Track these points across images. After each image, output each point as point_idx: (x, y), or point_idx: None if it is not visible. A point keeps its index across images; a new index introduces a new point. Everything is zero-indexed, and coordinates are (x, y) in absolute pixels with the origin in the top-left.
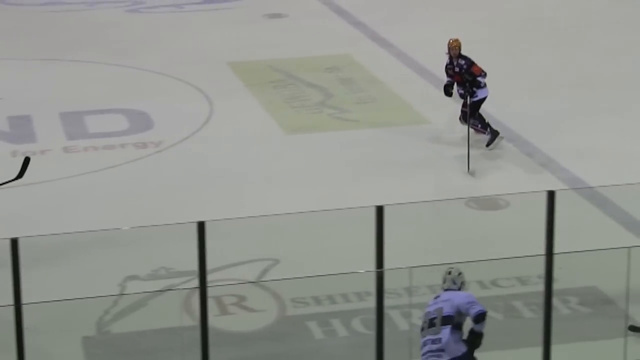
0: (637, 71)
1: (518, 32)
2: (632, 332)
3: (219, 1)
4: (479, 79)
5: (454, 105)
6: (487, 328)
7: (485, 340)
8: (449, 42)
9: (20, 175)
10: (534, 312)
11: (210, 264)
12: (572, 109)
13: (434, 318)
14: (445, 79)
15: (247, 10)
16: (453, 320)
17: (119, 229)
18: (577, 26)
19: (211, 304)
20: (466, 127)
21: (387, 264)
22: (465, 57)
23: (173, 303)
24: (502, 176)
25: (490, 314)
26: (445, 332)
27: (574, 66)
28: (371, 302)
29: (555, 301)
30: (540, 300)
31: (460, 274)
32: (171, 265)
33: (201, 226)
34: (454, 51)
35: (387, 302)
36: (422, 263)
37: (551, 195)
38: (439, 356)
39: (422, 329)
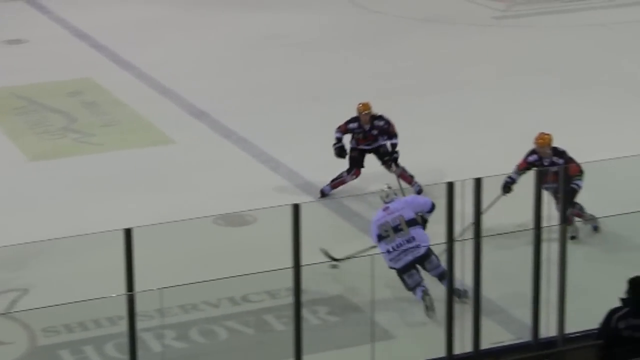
0: (365, 84)
1: (255, 49)
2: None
3: None
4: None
5: (198, 124)
6: (239, 344)
7: (238, 357)
8: (359, 107)
9: None
10: (285, 325)
11: None
12: (308, 122)
13: (398, 225)
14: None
15: None
16: (417, 221)
17: None
18: (309, 42)
19: None
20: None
21: (138, 286)
22: (380, 117)
23: None
24: (248, 192)
25: (241, 329)
26: (415, 231)
27: (309, 81)
28: (123, 326)
29: (304, 312)
30: (291, 312)
31: (390, 187)
32: None
33: None
34: (365, 117)
35: (140, 324)
36: (173, 283)
37: (296, 208)
38: (417, 247)
39: (385, 237)
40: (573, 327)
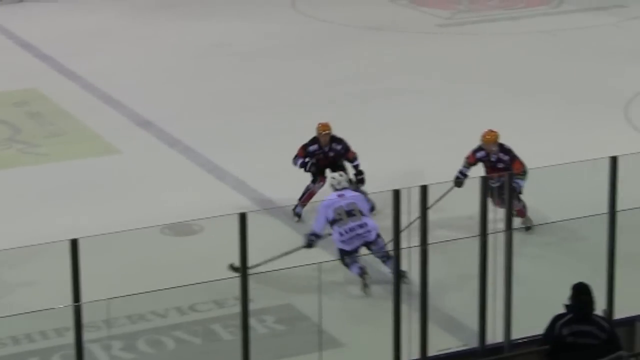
0: (311, 92)
1: (201, 58)
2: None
3: None
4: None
5: (143, 133)
6: (187, 354)
7: None
8: (318, 127)
9: None
10: (232, 334)
11: None
12: (258, 131)
13: (352, 210)
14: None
15: None
16: (368, 212)
17: None
18: (255, 51)
19: None
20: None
21: (85, 297)
22: (340, 140)
23: None
24: (194, 201)
25: (189, 339)
26: (367, 219)
27: (254, 90)
28: (70, 338)
29: (252, 321)
30: (238, 321)
31: (342, 175)
32: None
33: None
34: (325, 137)
35: (87, 335)
36: (120, 293)
37: (242, 217)
38: (368, 232)
39: (339, 220)
40: (520, 333)
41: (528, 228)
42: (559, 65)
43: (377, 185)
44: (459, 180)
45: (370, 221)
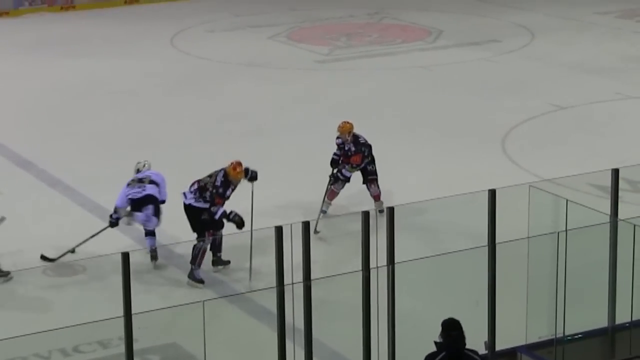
0: (190, 129)
1: (81, 97)
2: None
3: None
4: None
5: (23, 173)
6: None
7: None
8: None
9: None
10: None
11: None
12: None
13: (143, 178)
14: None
15: None
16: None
17: None
18: (134, 89)
19: None
20: None
21: None
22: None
23: None
24: (76, 241)
25: None
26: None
27: (135, 127)
28: None
29: None
30: None
31: (146, 160)
32: None
33: None
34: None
35: None
36: (3, 336)
37: (125, 257)
38: (143, 191)
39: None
40: None
41: (381, 211)
42: (437, 100)
43: (257, 221)
44: (335, 162)
45: (154, 190)
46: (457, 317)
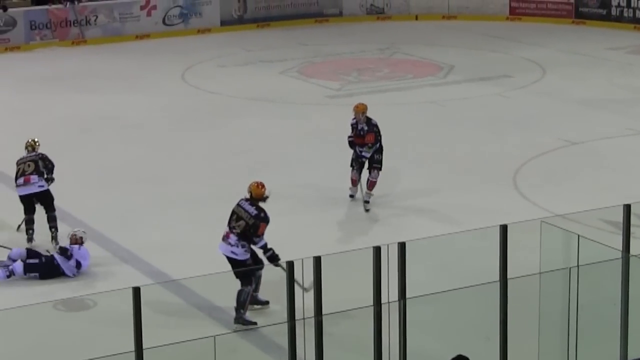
0: (201, 163)
1: (86, 131)
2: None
3: None
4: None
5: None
6: None
7: None
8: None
9: None
10: None
11: None
12: (148, 204)
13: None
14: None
15: None
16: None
17: None
18: (144, 123)
19: None
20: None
21: None
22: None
23: None
24: (87, 276)
25: None
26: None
27: (144, 162)
28: None
29: None
30: None
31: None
32: None
33: None
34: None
35: None
36: None
37: (137, 291)
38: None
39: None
40: None
41: (367, 202)
42: (448, 135)
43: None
44: (351, 142)
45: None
46: (468, 353)
